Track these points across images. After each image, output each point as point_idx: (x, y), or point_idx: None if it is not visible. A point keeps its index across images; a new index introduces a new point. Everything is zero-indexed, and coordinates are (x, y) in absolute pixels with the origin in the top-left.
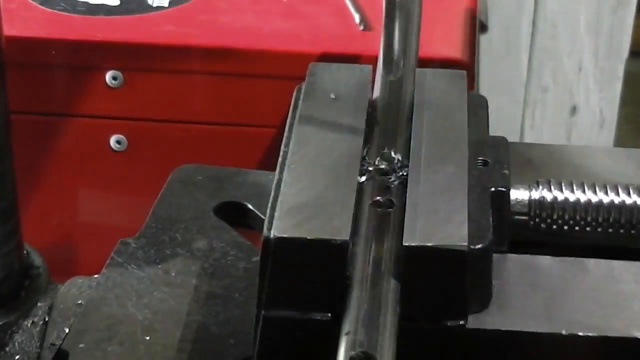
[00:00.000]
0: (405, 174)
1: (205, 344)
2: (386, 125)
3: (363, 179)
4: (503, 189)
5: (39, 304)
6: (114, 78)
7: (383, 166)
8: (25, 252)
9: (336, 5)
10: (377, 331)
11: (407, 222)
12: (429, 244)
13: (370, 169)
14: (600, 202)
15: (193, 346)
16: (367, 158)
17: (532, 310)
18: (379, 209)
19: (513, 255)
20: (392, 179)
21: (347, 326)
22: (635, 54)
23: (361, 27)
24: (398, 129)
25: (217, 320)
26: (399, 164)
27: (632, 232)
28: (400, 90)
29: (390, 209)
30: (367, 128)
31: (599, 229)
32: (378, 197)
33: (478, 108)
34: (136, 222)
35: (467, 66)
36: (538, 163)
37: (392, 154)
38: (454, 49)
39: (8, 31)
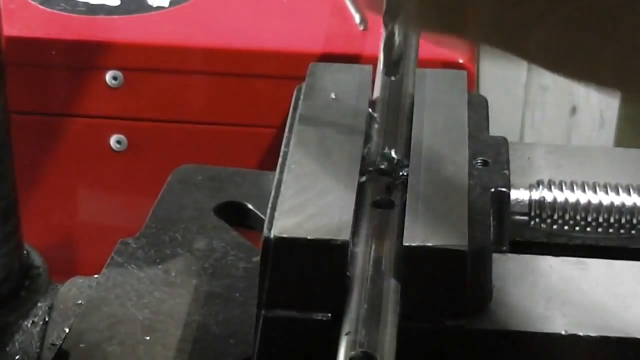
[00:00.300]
0: (405, 174)
1: (206, 344)
2: (386, 125)
3: (363, 179)
4: (503, 189)
5: (39, 304)
6: (114, 78)
7: (383, 166)
8: (25, 252)
9: (336, 5)
10: (377, 331)
11: (407, 222)
12: (429, 244)
13: (370, 168)
14: (600, 202)
15: (193, 346)
16: (367, 158)
17: (532, 310)
18: (379, 209)
19: (513, 255)
20: (392, 179)
21: (347, 326)
22: None
23: (361, 27)
24: (398, 129)
25: (218, 320)
26: (399, 164)
27: (632, 232)
28: (400, 90)
29: (391, 209)
30: (367, 128)
31: (599, 229)
32: (378, 197)
33: (478, 108)
34: (136, 222)
35: (467, 66)
36: (538, 163)
37: (392, 154)
38: (454, 51)
39: (8, 31)
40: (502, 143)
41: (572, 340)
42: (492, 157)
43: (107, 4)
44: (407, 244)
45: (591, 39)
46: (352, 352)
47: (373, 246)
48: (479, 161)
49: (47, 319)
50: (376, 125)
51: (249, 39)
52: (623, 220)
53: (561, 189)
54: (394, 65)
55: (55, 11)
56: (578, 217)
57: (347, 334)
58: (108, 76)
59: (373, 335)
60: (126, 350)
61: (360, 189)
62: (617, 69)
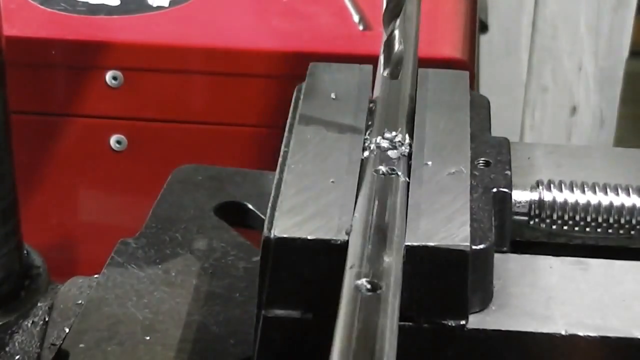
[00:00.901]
0: (407, 150)
1: (206, 344)
2: (386, 125)
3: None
4: (505, 190)
5: (39, 304)
6: (114, 78)
7: (384, 144)
8: (25, 252)
9: (336, 5)
10: (381, 261)
11: (409, 222)
12: (431, 244)
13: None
14: (600, 202)
15: (193, 346)
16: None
17: (532, 310)
18: (382, 176)
19: (514, 255)
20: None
21: (351, 259)
22: (635, 54)
23: (361, 27)
24: (398, 130)
25: (217, 320)
26: (401, 144)
27: (632, 232)
28: (400, 90)
29: (392, 175)
30: (367, 128)
31: (599, 229)
32: (380, 167)
33: (480, 108)
34: (136, 222)
35: (467, 66)
36: (538, 163)
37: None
38: (454, 49)
39: (8, 31)
40: (503, 144)
41: (572, 340)
42: (493, 157)
43: (107, 4)
44: (408, 244)
45: None
46: (357, 281)
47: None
48: (481, 161)
49: (47, 319)
50: (376, 126)
51: (249, 39)
52: (622, 221)
53: (561, 189)
54: (394, 65)
55: (55, 11)
56: (578, 217)
57: (351, 268)
58: (108, 76)
59: (377, 265)
60: (126, 350)
61: (360, 185)
62: None
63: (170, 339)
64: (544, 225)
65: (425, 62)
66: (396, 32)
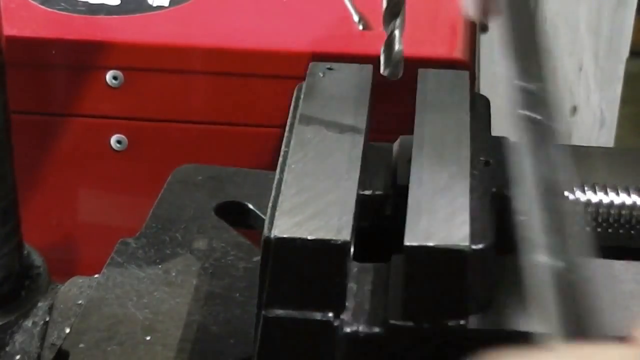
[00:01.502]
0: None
1: (206, 344)
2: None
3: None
4: (504, 190)
5: (39, 304)
6: (114, 78)
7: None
8: (25, 252)
9: (336, 5)
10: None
11: (409, 222)
12: (431, 244)
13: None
14: (600, 202)
15: (193, 346)
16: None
17: (532, 310)
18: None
19: (514, 255)
20: None
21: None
22: (635, 54)
23: (360, 27)
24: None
25: (217, 320)
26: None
27: (632, 232)
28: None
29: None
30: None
31: (599, 229)
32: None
33: (480, 108)
34: (136, 222)
35: (467, 66)
36: None
37: None
38: (454, 49)
39: (8, 31)
40: (503, 143)
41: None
42: (493, 157)
43: (107, 4)
44: (408, 244)
45: None
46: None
47: None
48: (481, 161)
49: (47, 319)
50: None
51: (249, 39)
52: (623, 221)
53: None
54: (394, 65)
55: (55, 11)
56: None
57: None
58: (108, 76)
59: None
60: (126, 350)
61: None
62: None
63: (170, 339)
64: None
65: (425, 62)
66: (396, 32)
